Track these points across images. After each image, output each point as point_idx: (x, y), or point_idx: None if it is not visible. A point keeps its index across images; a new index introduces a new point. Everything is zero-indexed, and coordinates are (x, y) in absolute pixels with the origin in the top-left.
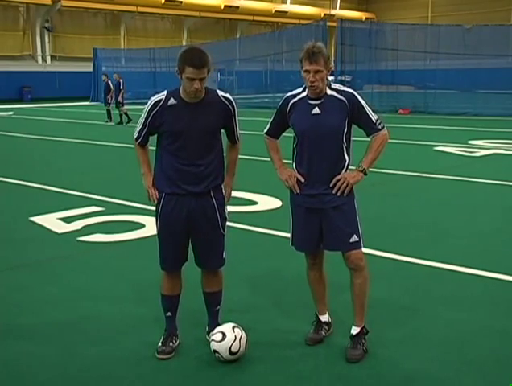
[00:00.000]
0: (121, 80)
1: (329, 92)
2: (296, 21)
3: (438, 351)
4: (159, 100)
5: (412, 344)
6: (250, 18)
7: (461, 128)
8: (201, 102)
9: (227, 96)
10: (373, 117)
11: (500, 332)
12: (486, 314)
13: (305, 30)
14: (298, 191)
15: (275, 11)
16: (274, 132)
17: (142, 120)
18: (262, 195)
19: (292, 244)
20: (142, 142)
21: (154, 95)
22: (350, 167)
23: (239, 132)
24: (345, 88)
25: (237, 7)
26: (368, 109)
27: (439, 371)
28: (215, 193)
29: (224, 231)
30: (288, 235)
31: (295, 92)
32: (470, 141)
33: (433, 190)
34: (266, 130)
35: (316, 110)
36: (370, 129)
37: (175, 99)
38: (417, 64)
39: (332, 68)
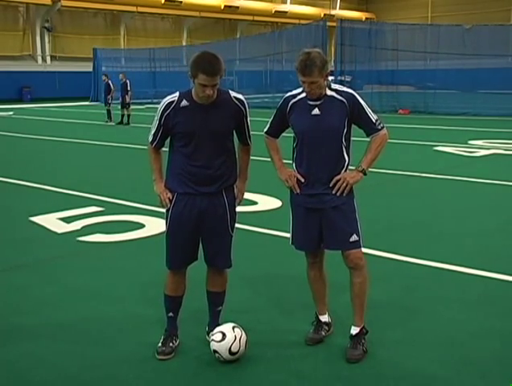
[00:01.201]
0: (127, 81)
1: (329, 92)
2: (296, 21)
3: (438, 351)
4: (172, 102)
5: (412, 344)
6: (250, 18)
7: (461, 128)
8: (213, 103)
9: (239, 96)
10: (373, 117)
11: (500, 332)
12: (486, 314)
13: (305, 30)
14: (298, 191)
15: (275, 11)
16: (274, 131)
17: (155, 122)
18: (262, 195)
19: (292, 243)
20: (158, 145)
21: (154, 95)
22: (350, 167)
23: (251, 133)
24: (345, 89)
25: (237, 7)
26: (368, 110)
27: (439, 371)
28: (227, 193)
29: (232, 232)
30: (288, 235)
31: (294, 92)
32: (470, 141)
33: (433, 190)
34: (265, 130)
35: (316, 111)
36: (370, 129)
37: (187, 100)
38: (417, 64)
39: (332, 69)
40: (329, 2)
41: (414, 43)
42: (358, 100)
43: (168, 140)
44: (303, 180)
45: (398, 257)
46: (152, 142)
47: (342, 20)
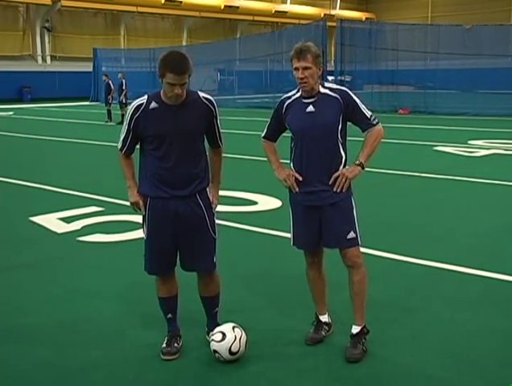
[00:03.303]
0: (123, 80)
1: (322, 90)
2: (296, 21)
3: (438, 351)
4: (141, 104)
5: (412, 344)
6: (250, 18)
7: (461, 128)
8: (183, 104)
9: (208, 97)
10: (367, 112)
11: (500, 332)
12: (486, 314)
13: (305, 30)
14: (297, 190)
15: (275, 11)
16: (272, 135)
17: (124, 127)
18: (262, 195)
19: (293, 243)
20: (128, 152)
21: None
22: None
23: (221, 134)
24: (338, 87)
25: (237, 7)
26: (361, 106)
27: (439, 371)
28: (201, 196)
29: (215, 234)
30: (288, 235)
31: (289, 93)
32: (470, 141)
33: (433, 190)
34: (263, 134)
35: (311, 108)
36: (365, 124)
37: (156, 102)
38: (417, 64)
39: (332, 69)
40: (329, 2)
41: (414, 43)
42: (352, 97)
43: (139, 145)
44: (301, 179)
45: (398, 257)
46: (122, 149)
47: (342, 20)
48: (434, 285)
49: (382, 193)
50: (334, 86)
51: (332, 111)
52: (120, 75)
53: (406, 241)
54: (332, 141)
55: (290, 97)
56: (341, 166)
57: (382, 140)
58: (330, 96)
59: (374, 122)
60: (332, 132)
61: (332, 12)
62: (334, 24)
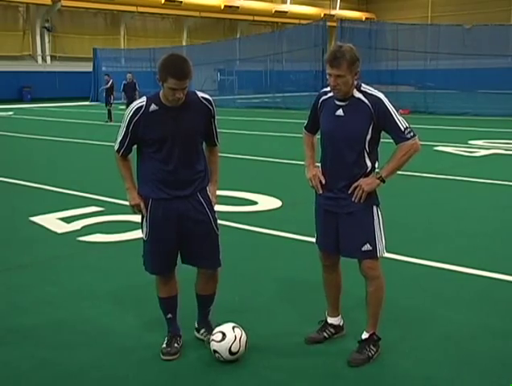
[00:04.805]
0: (135, 81)
1: (357, 94)
2: (296, 21)
3: (438, 351)
4: (140, 107)
5: (412, 344)
6: (250, 18)
7: (461, 128)
8: (183, 106)
9: (206, 96)
10: (402, 124)
11: (500, 332)
12: (486, 313)
13: (305, 30)
14: (320, 192)
15: (275, 11)
16: (311, 127)
17: (122, 129)
18: (262, 195)
19: (316, 242)
20: (125, 153)
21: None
22: (377, 170)
23: (218, 133)
24: (374, 92)
25: (237, 7)
26: (395, 116)
27: (438, 371)
28: (202, 194)
29: (218, 230)
30: (289, 235)
31: (327, 88)
32: (470, 141)
33: (433, 190)
34: (304, 125)
35: (340, 112)
36: (397, 137)
37: (156, 104)
38: (417, 64)
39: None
40: (329, 2)
41: (414, 43)
42: (385, 106)
43: (135, 147)
44: (324, 181)
45: (398, 257)
46: (119, 150)
47: (342, 20)
48: (433, 285)
49: (382, 193)
50: (370, 91)
51: (360, 119)
52: (129, 75)
53: (406, 241)
54: (355, 149)
55: (326, 93)
56: (365, 176)
57: (408, 153)
58: (362, 102)
59: (408, 136)
60: (357, 141)
61: (332, 12)
62: (334, 24)
